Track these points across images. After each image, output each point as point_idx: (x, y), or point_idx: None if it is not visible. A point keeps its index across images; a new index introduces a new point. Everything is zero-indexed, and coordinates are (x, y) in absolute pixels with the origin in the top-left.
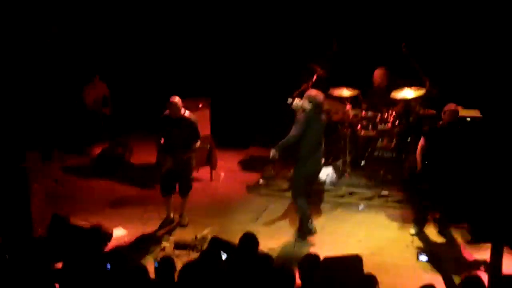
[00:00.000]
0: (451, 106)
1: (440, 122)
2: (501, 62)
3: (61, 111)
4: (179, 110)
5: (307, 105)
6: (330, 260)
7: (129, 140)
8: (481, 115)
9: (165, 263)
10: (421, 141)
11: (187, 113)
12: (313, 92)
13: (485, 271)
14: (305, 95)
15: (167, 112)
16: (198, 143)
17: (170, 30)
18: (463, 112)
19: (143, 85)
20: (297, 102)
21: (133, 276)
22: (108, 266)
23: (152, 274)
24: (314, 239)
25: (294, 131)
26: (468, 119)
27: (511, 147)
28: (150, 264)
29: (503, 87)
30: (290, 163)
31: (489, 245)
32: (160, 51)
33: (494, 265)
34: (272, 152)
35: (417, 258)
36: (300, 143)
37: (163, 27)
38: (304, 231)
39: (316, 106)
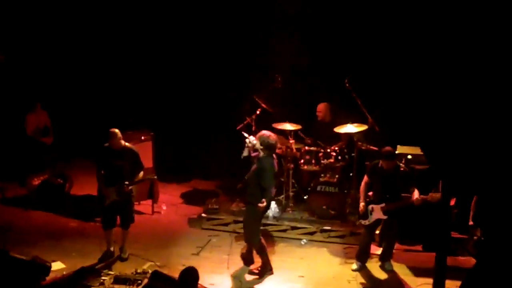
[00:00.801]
0: (387, 149)
1: (380, 162)
2: (443, 101)
3: (1, 139)
4: (120, 140)
5: (259, 146)
6: None
7: (70, 170)
8: (422, 152)
9: None
10: (364, 178)
11: (127, 144)
12: (266, 133)
13: None
14: (257, 136)
15: (107, 144)
16: (142, 174)
17: (112, 62)
18: (404, 150)
19: (84, 116)
20: (251, 140)
21: None
22: None
23: None
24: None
25: (264, 183)
26: (409, 156)
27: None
28: None
29: (444, 125)
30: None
31: (427, 282)
32: (102, 83)
33: None
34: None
35: None
36: (260, 188)
37: (105, 59)
38: (268, 268)
39: (269, 148)
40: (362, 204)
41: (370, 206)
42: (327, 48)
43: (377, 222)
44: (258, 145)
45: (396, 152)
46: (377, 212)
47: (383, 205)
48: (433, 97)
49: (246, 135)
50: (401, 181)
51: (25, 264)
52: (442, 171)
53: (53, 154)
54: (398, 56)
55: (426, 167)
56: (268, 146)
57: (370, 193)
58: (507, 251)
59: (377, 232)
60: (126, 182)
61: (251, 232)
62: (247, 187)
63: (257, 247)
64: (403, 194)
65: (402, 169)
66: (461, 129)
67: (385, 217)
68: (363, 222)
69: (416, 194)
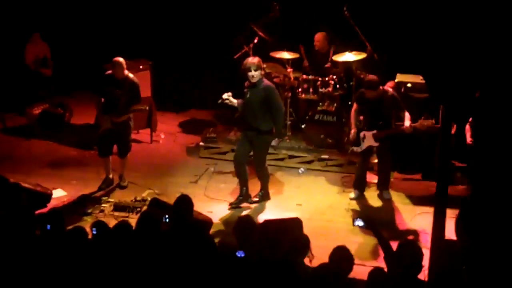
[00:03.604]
0: (369, 78)
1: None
2: (444, 27)
3: (1, 70)
4: (123, 70)
5: (259, 74)
6: (270, 223)
7: (69, 100)
8: (422, 80)
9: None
10: (354, 105)
11: (130, 75)
12: (252, 59)
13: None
14: (249, 66)
15: (110, 72)
16: (138, 106)
17: None
18: (404, 78)
19: (83, 45)
20: (227, 96)
21: (71, 237)
22: (48, 226)
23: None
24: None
25: (279, 109)
26: (409, 85)
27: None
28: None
29: (448, 53)
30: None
31: (426, 211)
32: (101, 12)
33: (437, 229)
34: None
35: (353, 223)
36: (268, 114)
37: None
38: (267, 194)
39: (261, 68)
40: (353, 130)
41: (362, 133)
42: None
43: (370, 149)
44: (258, 74)
45: (396, 80)
46: (369, 139)
47: (374, 131)
48: (431, 23)
49: (220, 100)
50: (390, 108)
51: (27, 191)
52: (443, 98)
53: (52, 85)
54: None
55: (426, 95)
56: (260, 67)
57: (361, 118)
58: (502, 178)
59: (376, 160)
60: (120, 114)
61: (263, 161)
62: (253, 118)
63: (264, 174)
64: (397, 123)
65: (390, 95)
66: (463, 54)
67: (376, 144)
68: (355, 149)
69: (407, 122)
